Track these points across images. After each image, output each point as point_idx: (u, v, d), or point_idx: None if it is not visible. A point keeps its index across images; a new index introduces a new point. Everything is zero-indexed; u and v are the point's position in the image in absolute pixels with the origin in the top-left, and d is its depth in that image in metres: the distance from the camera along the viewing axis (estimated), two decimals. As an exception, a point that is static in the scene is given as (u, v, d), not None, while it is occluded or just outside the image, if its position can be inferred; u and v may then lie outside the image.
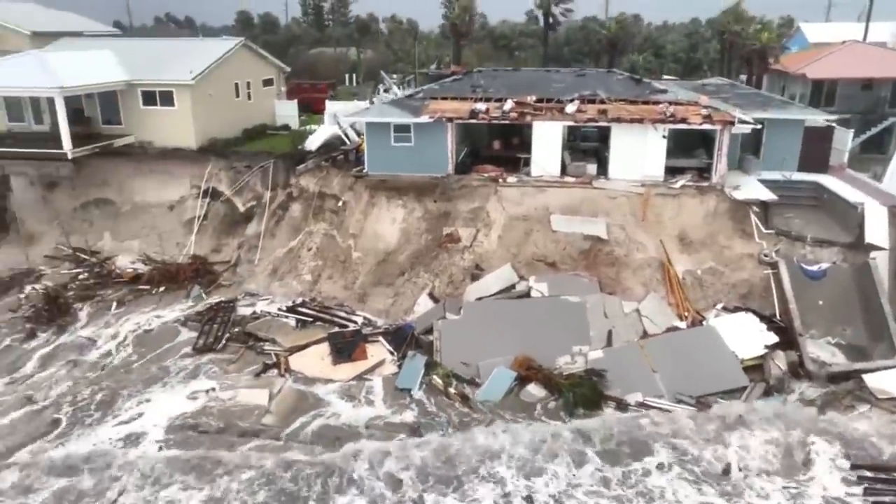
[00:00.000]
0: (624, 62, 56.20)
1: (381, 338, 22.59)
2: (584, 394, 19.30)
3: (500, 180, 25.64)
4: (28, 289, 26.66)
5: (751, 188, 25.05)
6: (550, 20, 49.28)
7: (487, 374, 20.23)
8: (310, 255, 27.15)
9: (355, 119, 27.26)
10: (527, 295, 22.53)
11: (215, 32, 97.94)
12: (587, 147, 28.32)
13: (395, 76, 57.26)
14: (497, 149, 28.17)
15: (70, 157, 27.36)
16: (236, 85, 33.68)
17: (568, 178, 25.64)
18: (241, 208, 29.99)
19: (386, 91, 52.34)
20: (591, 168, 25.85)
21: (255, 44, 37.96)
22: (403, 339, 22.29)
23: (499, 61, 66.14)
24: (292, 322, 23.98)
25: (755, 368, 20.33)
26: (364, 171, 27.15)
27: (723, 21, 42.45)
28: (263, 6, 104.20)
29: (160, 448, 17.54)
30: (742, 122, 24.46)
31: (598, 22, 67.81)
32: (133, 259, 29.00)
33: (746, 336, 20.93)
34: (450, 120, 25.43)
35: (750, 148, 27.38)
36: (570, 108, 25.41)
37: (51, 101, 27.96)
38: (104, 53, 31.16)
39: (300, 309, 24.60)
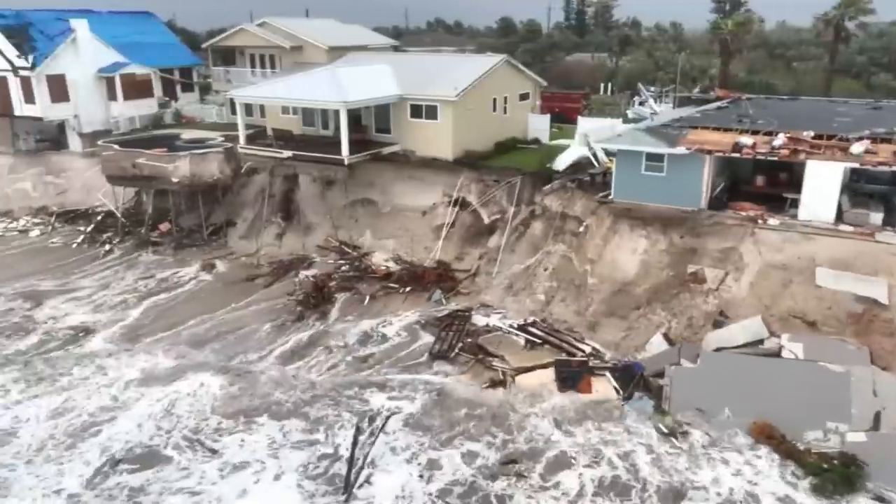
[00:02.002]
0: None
1: (607, 373, 22.14)
2: (833, 478, 17.07)
3: (760, 221, 23.44)
4: (302, 275, 30.73)
5: None
6: (842, 34, 43.28)
7: (719, 433, 18.83)
8: (545, 274, 27.47)
9: (608, 145, 26.78)
10: (777, 354, 20.40)
11: (480, 35, 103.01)
12: (873, 190, 24.64)
13: (652, 88, 55.25)
14: (759, 185, 25.79)
15: (346, 163, 30.86)
16: (494, 100, 35.05)
17: (843, 227, 22.56)
18: (486, 220, 31.29)
19: (641, 104, 50.79)
20: (876, 217, 22.45)
21: (516, 52, 39.04)
22: (631, 378, 21.60)
23: (773, 73, 60.30)
24: (521, 341, 24.52)
25: None
26: (610, 196, 26.66)
27: None
28: (526, 12, 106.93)
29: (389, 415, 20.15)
30: None
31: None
32: (386, 257, 31.84)
33: None
34: (709, 152, 23.86)
35: None
36: (857, 147, 22.29)
37: (336, 111, 31.78)
38: (382, 68, 34.46)
39: (530, 328, 25.04)
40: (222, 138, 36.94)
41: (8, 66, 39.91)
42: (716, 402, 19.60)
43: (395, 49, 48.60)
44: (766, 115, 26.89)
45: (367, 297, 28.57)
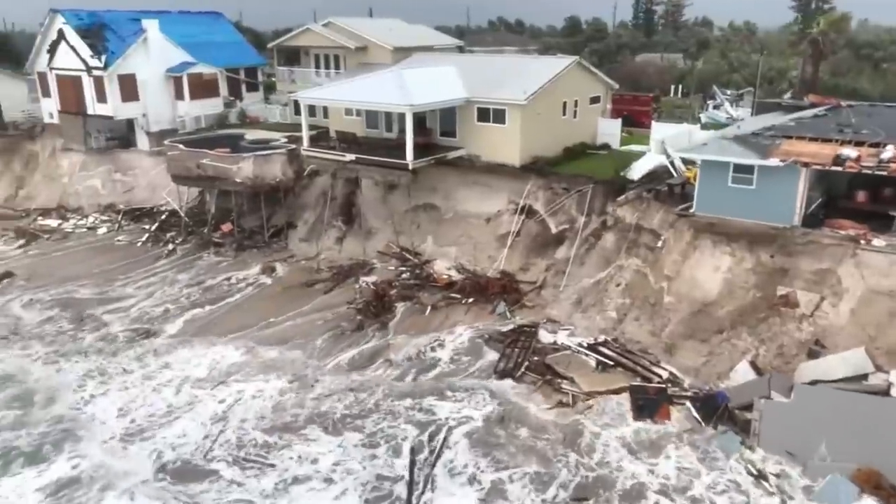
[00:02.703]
0: None
1: (688, 402, 20.51)
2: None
3: (863, 241, 21.30)
4: (362, 281, 29.93)
5: None
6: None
7: (816, 478, 17.10)
8: (617, 290, 25.90)
9: (691, 154, 24.93)
10: (885, 392, 18.36)
11: (542, 34, 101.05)
12: None
13: (728, 91, 52.55)
14: (861, 201, 23.53)
15: (410, 167, 29.92)
16: (564, 103, 33.55)
17: (962, 251, 20.28)
18: (554, 230, 29.85)
19: (716, 108, 48.30)
20: None
21: (582, 53, 37.31)
22: (714, 409, 19.92)
23: (859, 76, 56.58)
24: (592, 361, 23.07)
25: None
26: (690, 209, 24.88)
27: None
28: (590, 11, 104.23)
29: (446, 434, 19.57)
30: None
31: None
32: (448, 265, 30.70)
33: None
34: (805, 165, 21.86)
35: None
36: (981, 162, 19.98)
37: (401, 114, 30.88)
38: (448, 70, 33.38)
39: (601, 348, 23.56)
40: (286, 139, 36.59)
41: (82, 66, 40.63)
42: (812, 442, 17.78)
43: (461, 49, 47.49)
44: (871, 125, 24.56)
45: (429, 308, 27.55)
